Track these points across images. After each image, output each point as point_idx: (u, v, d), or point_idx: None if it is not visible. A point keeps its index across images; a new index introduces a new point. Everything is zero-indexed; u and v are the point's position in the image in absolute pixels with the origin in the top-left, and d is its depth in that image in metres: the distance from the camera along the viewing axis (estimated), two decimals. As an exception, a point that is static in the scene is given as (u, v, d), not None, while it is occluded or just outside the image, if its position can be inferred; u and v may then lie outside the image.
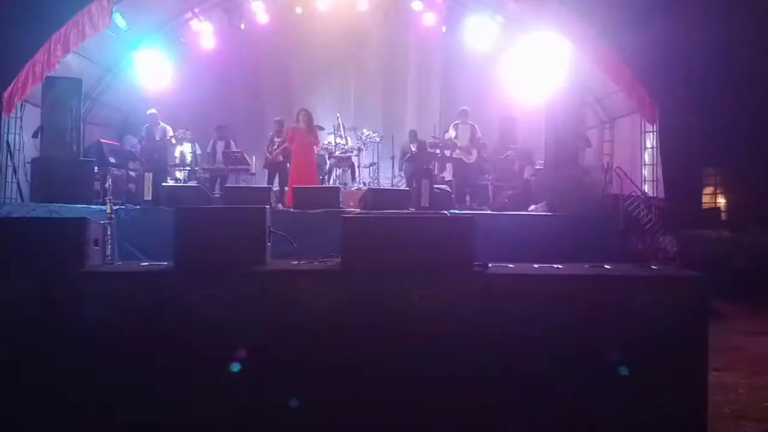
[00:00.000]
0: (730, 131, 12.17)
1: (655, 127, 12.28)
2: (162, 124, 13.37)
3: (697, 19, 11.39)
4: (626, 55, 11.76)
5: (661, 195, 12.09)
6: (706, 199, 14.96)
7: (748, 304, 9.57)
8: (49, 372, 4.28)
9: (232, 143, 13.85)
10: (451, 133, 13.30)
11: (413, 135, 14.30)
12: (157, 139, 13.23)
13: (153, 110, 13.42)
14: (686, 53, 11.56)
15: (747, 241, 11.12)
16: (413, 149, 13.98)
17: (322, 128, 13.12)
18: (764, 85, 11.69)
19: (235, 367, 4.18)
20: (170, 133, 13.29)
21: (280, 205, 11.29)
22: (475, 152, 13.23)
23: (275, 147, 12.94)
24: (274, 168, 13.02)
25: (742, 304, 9.51)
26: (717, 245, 11.01)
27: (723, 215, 14.31)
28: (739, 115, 11.99)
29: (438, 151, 14.02)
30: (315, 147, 12.45)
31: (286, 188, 12.21)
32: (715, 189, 14.95)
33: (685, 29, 11.33)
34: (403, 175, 13.94)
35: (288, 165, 12.88)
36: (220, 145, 13.75)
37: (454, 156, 13.26)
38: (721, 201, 14.93)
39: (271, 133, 13.29)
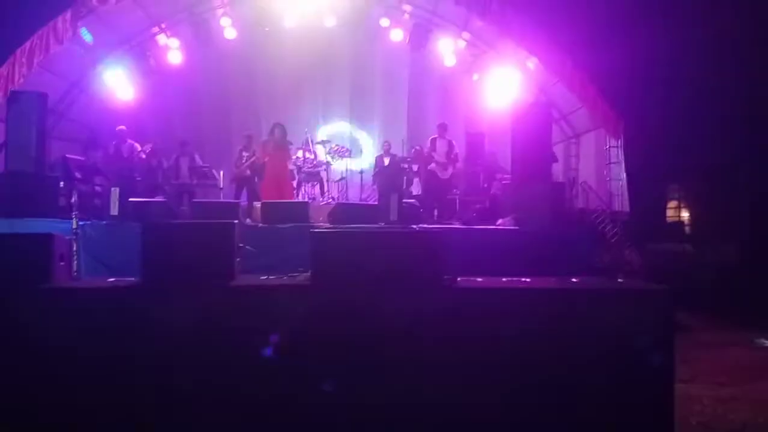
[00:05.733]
0: (694, 147, 12.36)
1: (619, 142, 12.46)
2: (129, 140, 13.29)
3: (660, 38, 11.59)
4: (590, 72, 11.94)
5: (627, 209, 12.25)
6: (670, 213, 15.17)
7: (711, 316, 9.69)
8: (14, 390, 4.21)
9: (197, 158, 13.78)
10: (428, 147, 13.37)
11: (387, 148, 14.35)
12: (125, 155, 13.14)
13: (122, 127, 13.35)
14: (649, 70, 11.75)
15: (710, 255, 11.30)
16: (385, 163, 14.04)
17: (290, 143, 13.14)
18: (727, 100, 11.91)
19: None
20: (138, 149, 13.20)
21: (248, 220, 11.25)
22: (451, 168, 13.29)
23: (243, 161, 12.95)
24: (241, 182, 13.02)
25: (706, 316, 9.64)
26: (681, 258, 11.16)
27: (687, 229, 14.52)
28: (703, 131, 12.20)
29: (408, 165, 14.10)
30: (287, 162, 12.53)
31: (255, 203, 12.21)
32: (679, 203, 15.18)
33: (648, 47, 11.53)
34: (375, 188, 13.98)
35: (256, 179, 12.89)
36: (184, 161, 13.67)
37: (428, 169, 13.32)
38: (685, 215, 15.15)
39: (239, 148, 13.29)
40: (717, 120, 12.45)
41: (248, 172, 12.93)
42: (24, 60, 10.85)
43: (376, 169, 14.19)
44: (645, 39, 11.52)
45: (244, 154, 13.06)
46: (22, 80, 10.93)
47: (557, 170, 13.45)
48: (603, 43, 11.26)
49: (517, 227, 10.48)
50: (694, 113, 12.32)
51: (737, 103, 11.90)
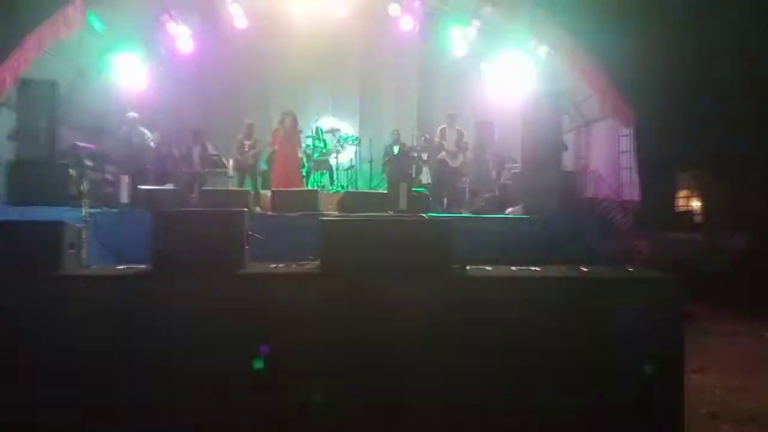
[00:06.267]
0: (705, 135, 12.30)
1: (630, 131, 12.39)
2: (140, 128, 13.28)
3: (672, 25, 11.51)
4: (601, 60, 11.87)
5: (637, 198, 12.19)
6: (680, 202, 15.13)
7: (721, 306, 9.67)
8: (24, 378, 4.24)
9: (209, 146, 13.79)
10: (438, 136, 13.35)
11: (396, 136, 14.32)
12: (134, 143, 13.14)
13: (133, 114, 13.34)
14: (661, 58, 11.69)
15: (720, 244, 11.25)
16: (395, 151, 14.02)
17: (300, 132, 13.15)
18: (738, 89, 11.83)
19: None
20: (148, 137, 13.21)
21: (257, 208, 11.27)
22: (461, 156, 13.29)
23: (246, 150, 13.01)
24: (244, 171, 13.09)
25: (716, 306, 9.61)
26: (690, 248, 11.12)
27: (697, 218, 14.46)
28: (714, 120, 12.13)
29: (417, 154, 14.08)
30: (297, 150, 12.58)
31: (263, 191, 12.29)
32: (690, 192, 15.12)
33: (660, 35, 11.46)
34: (385, 177, 13.97)
35: (266, 167, 12.96)
36: (196, 150, 13.68)
37: (439, 158, 13.31)
38: (695, 204, 15.10)
39: (239, 136, 13.31)
40: (728, 109, 12.38)
41: (251, 161, 13.03)
42: (33, 47, 10.91)
43: (386, 158, 14.16)
44: (658, 27, 11.46)
45: (246, 142, 13.12)
46: (28, 67, 11.00)
47: (567, 159, 13.38)
48: (615, 32, 11.19)
49: (526, 216, 10.46)
50: (706, 102, 12.26)
51: (748, 93, 11.84)
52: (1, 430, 4.23)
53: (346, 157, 14.91)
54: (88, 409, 4.22)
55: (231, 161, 13.61)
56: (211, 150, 13.69)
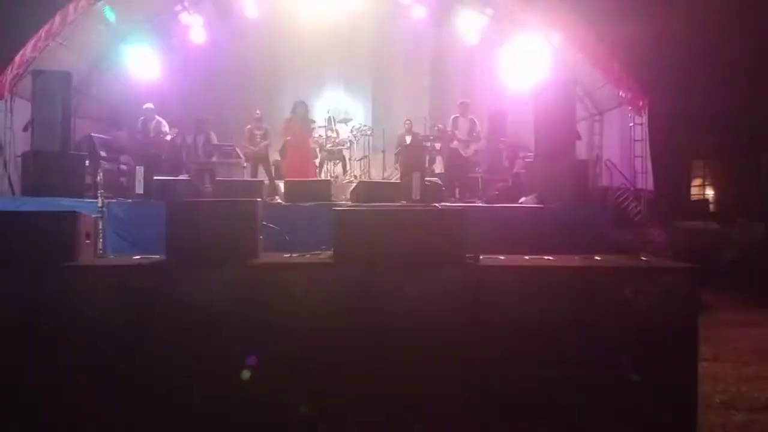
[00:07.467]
0: (719, 124, 12.23)
1: (644, 119, 12.34)
2: (158, 118, 13.31)
3: (685, 14, 11.44)
4: (615, 48, 11.83)
5: (651, 187, 12.15)
6: (694, 190, 15.08)
7: (736, 296, 9.64)
8: (40, 369, 4.27)
9: (213, 136, 13.76)
10: (451, 125, 13.32)
11: (408, 126, 14.30)
12: (152, 134, 13.17)
13: (149, 105, 13.36)
14: (675, 47, 11.62)
15: (735, 233, 11.21)
16: (407, 141, 14.00)
17: (313, 121, 13.15)
18: (752, 78, 11.75)
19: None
20: (165, 128, 13.23)
21: (276, 198, 11.30)
22: (473, 146, 13.25)
23: (258, 140, 13.05)
24: (256, 161, 13.12)
25: (731, 295, 9.58)
26: (705, 237, 11.09)
27: (711, 207, 14.41)
28: (728, 108, 12.05)
29: (430, 144, 14.05)
30: (310, 140, 12.60)
31: (276, 181, 12.32)
32: (704, 181, 15.07)
33: (673, 23, 11.39)
34: (398, 167, 13.95)
35: (270, 158, 13.06)
36: (201, 139, 13.69)
37: (451, 147, 13.27)
38: (710, 193, 15.04)
39: (248, 126, 13.32)
40: (742, 98, 12.30)
41: (264, 151, 13.08)
42: (45, 36, 11.01)
43: (398, 148, 14.15)
44: (671, 16, 11.39)
45: (257, 132, 13.15)
46: (37, 55, 11.11)
47: (580, 148, 13.34)
48: (628, 20, 11.14)
49: (540, 205, 10.44)
50: (720, 91, 12.18)
51: (763, 76, 11.74)
52: (20, 422, 4.27)
53: (358, 146, 14.90)
54: (101, 400, 4.25)
55: (239, 151, 13.63)
56: (213, 140, 13.68)
